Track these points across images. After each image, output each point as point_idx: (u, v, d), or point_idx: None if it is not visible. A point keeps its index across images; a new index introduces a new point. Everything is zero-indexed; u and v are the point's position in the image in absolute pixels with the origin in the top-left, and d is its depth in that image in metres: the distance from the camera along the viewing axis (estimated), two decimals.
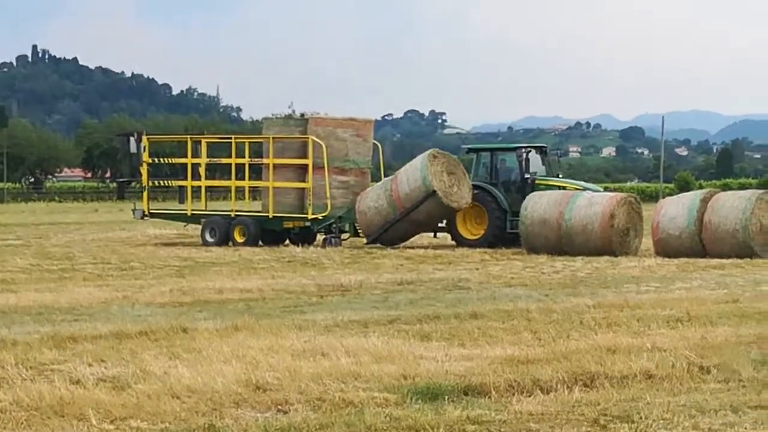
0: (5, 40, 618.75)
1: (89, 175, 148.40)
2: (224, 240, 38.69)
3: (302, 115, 41.05)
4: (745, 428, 10.57)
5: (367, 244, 38.57)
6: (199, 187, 41.31)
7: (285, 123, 40.80)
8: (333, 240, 38.12)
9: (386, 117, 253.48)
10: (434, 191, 36.73)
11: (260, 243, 38.35)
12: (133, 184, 44.76)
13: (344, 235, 38.75)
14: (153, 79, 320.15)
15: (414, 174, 37.96)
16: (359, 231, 38.88)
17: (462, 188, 38.01)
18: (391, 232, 38.19)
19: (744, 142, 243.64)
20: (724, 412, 11.30)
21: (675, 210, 33.56)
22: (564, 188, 37.78)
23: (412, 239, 39.95)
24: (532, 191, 37.02)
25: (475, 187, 38.44)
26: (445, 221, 38.85)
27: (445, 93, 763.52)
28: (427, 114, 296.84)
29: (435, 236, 40.19)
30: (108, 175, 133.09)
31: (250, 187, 42.10)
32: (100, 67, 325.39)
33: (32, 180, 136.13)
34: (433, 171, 37.39)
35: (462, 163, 39.67)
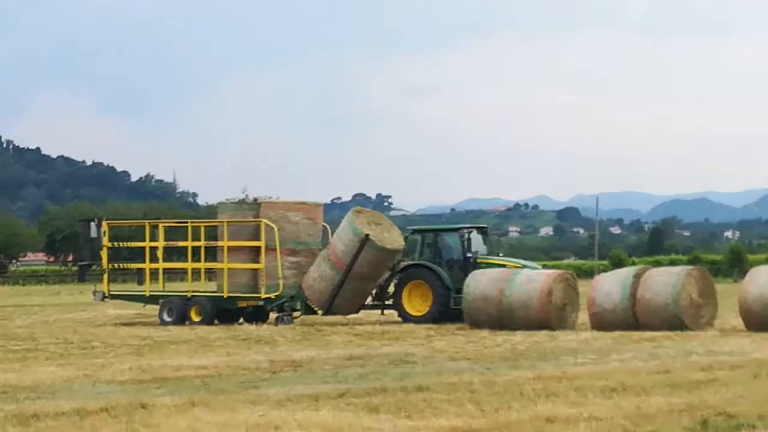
0: None
1: (52, 259, 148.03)
2: (181, 319, 38.57)
3: (255, 199, 41.03)
4: None
5: (324, 314, 38.60)
6: (157, 269, 41.26)
7: (239, 207, 40.82)
8: (285, 318, 38.05)
9: (335, 200, 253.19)
10: (366, 236, 37.06)
11: (216, 321, 38.26)
12: (93, 267, 44.67)
13: (296, 314, 38.66)
14: (112, 167, 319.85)
15: (344, 231, 38.35)
16: (312, 306, 38.78)
17: (392, 233, 38.50)
18: (342, 297, 38.21)
19: (674, 221, 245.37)
20: None
21: (609, 286, 33.69)
22: (504, 266, 37.86)
23: (358, 314, 39.96)
24: (474, 269, 37.08)
25: (419, 265, 38.55)
26: (391, 299, 38.86)
27: (391, 177, 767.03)
28: (374, 197, 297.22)
29: (382, 313, 40.12)
30: (70, 258, 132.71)
31: (205, 268, 41.98)
32: (62, 156, 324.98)
33: None
34: (360, 222, 37.94)
35: (407, 244, 39.76)
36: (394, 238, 38.91)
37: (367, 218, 38.81)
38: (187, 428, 14.21)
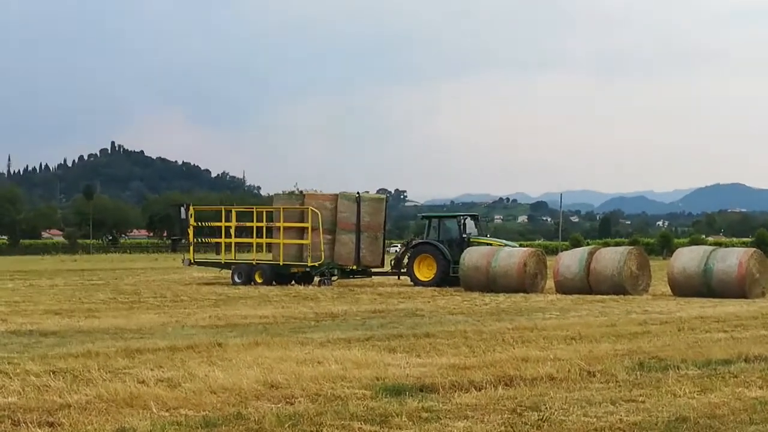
0: (92, 137, 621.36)
1: (151, 234, 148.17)
2: (248, 281, 38.58)
3: (301, 191, 41.01)
4: (621, 416, 10.57)
5: (356, 268, 39.29)
6: (230, 243, 41.34)
7: (289, 197, 40.77)
8: (326, 281, 38.08)
9: (362, 193, 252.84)
10: (358, 194, 39.88)
11: (273, 283, 38.25)
12: (182, 240, 44.70)
13: (334, 278, 38.69)
14: (197, 165, 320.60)
15: (343, 204, 39.50)
16: (345, 267, 38.89)
17: (373, 196, 41.23)
18: (364, 250, 39.33)
19: (618, 213, 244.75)
20: (605, 404, 11.30)
21: (569, 260, 33.65)
22: (491, 245, 37.80)
23: (382, 279, 40.02)
24: (468, 246, 37.07)
25: (427, 243, 38.57)
26: (406, 269, 38.88)
27: (406, 176, 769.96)
28: (393, 191, 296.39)
29: (399, 279, 40.05)
30: (165, 234, 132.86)
31: (266, 243, 41.98)
32: (160, 157, 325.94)
33: (110, 238, 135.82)
34: (349, 194, 39.88)
35: (417, 227, 40.00)
36: (374, 197, 40.54)
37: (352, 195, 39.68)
38: (252, 362, 14.21)
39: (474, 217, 41.82)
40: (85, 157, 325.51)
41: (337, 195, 39.56)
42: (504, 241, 40.89)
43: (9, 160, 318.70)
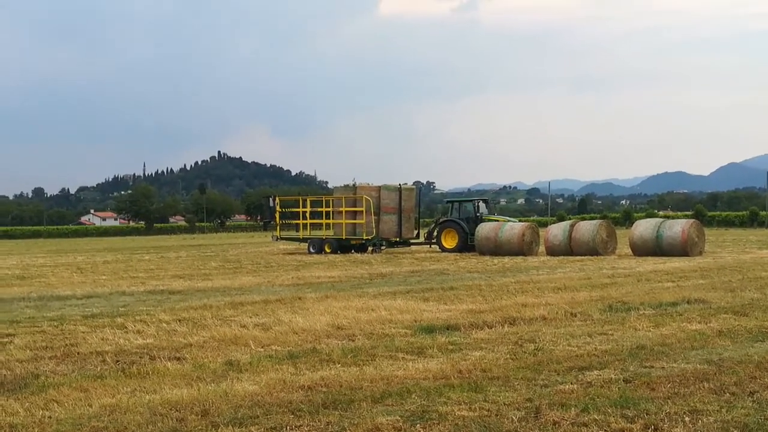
0: (203, 147, 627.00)
1: (249, 218, 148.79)
2: (319, 251, 38.60)
3: (354, 184, 40.97)
4: (595, 345, 10.54)
5: (397, 239, 38.88)
6: (306, 223, 41.40)
7: (345, 189, 40.74)
8: (376, 250, 38.04)
9: (402, 184, 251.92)
10: (400, 185, 39.40)
11: (339, 252, 38.36)
12: (271, 222, 44.84)
13: (383, 247, 38.67)
14: (281, 167, 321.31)
15: (387, 194, 38.91)
16: (390, 239, 38.79)
17: (406, 187, 39.94)
18: (403, 227, 38.98)
19: (592, 195, 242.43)
20: (584, 337, 11.27)
21: (556, 230, 33.47)
22: (498, 221, 37.63)
23: (417, 248, 40.02)
24: (481, 222, 36.98)
25: (451, 221, 38.42)
26: (435, 239, 38.80)
27: (434, 170, 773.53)
28: (425, 182, 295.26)
29: (430, 246, 40.06)
30: (259, 218, 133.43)
31: (332, 223, 42.02)
32: (254, 161, 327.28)
33: (219, 221, 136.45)
34: (392, 186, 39.16)
35: (443, 209, 39.84)
36: (409, 187, 39.84)
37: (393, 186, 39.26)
38: (324, 310, 14.28)
39: (485, 201, 41.61)
40: (199, 162, 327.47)
41: (380, 186, 39.48)
42: (507, 218, 40.68)
43: (144, 166, 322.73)
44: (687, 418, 6.95)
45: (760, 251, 33.00)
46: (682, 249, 30.17)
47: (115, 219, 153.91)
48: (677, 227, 30.81)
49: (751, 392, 7.85)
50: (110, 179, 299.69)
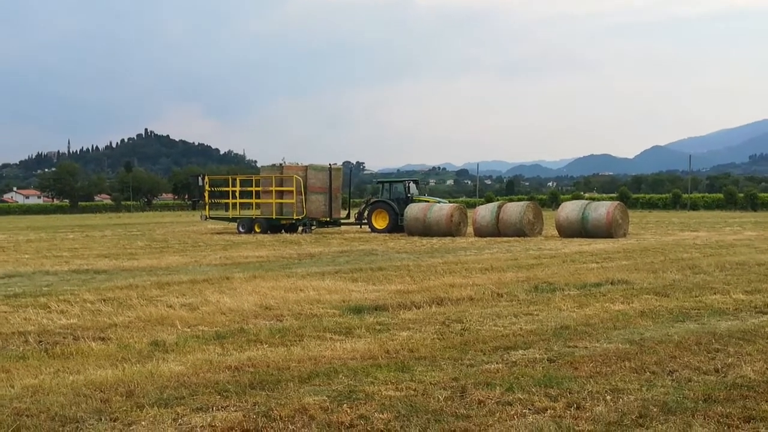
0: (130, 124, 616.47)
1: (176, 197, 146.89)
2: (249, 231, 38.37)
3: (281, 164, 40.53)
4: (521, 326, 10.68)
5: (327, 219, 38.83)
6: (235, 203, 41.04)
7: (273, 168, 40.24)
8: (306, 230, 37.93)
9: (332, 164, 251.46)
10: (330, 165, 39.15)
11: (268, 232, 38.13)
12: (199, 201, 44.36)
13: (313, 227, 38.57)
14: (209, 145, 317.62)
15: (316, 173, 38.75)
16: (319, 219, 38.69)
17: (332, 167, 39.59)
18: (332, 208, 38.97)
19: (520, 177, 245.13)
20: (510, 317, 11.41)
21: (484, 212, 33.79)
22: (427, 201, 37.87)
23: (347, 228, 39.96)
24: (411, 203, 37.13)
25: (381, 201, 38.51)
26: (366, 220, 38.82)
27: (365, 151, 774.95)
28: (354, 162, 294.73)
29: (360, 227, 40.11)
30: (186, 197, 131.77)
31: (260, 202, 41.69)
32: (182, 139, 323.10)
33: (146, 200, 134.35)
34: (321, 166, 39.06)
35: (373, 189, 39.74)
36: (337, 167, 39.83)
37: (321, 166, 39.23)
38: (252, 290, 14.21)
39: (415, 182, 41.73)
40: (126, 140, 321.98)
41: (307, 166, 39.29)
42: (436, 199, 40.95)
43: (69, 143, 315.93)
44: (608, 397, 7.10)
45: (681, 233, 33.82)
46: (607, 231, 30.73)
47: (39, 197, 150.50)
48: (602, 209, 31.36)
49: (670, 371, 8.04)
50: (33, 156, 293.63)
